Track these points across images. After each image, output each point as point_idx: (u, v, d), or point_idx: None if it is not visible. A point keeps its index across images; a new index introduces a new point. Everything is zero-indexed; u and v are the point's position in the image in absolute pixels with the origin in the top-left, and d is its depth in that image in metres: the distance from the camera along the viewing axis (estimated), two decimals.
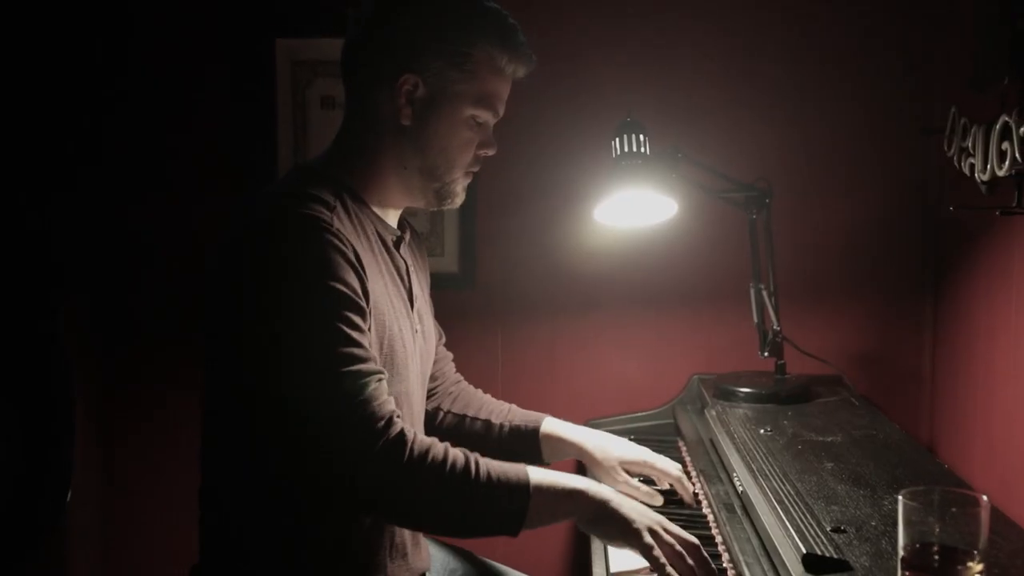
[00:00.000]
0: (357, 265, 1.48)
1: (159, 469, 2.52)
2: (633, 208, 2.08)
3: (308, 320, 1.43)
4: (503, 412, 1.92)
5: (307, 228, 1.45)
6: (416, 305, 1.70)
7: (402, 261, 1.67)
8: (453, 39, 1.55)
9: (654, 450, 2.15)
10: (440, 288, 2.44)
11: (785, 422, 1.97)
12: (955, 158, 1.78)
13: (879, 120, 2.37)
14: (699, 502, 1.85)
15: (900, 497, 1.20)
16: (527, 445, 1.88)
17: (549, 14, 2.39)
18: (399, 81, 1.55)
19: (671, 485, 1.88)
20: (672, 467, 1.87)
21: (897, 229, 2.40)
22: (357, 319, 1.45)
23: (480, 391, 1.99)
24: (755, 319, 2.22)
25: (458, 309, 2.44)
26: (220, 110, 2.46)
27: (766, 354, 2.20)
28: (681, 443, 2.23)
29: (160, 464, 2.52)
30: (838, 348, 2.40)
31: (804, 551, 1.31)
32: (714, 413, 2.06)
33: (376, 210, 1.63)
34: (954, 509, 1.18)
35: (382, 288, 1.57)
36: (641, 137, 2.01)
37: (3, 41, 2.24)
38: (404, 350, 1.61)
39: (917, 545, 1.20)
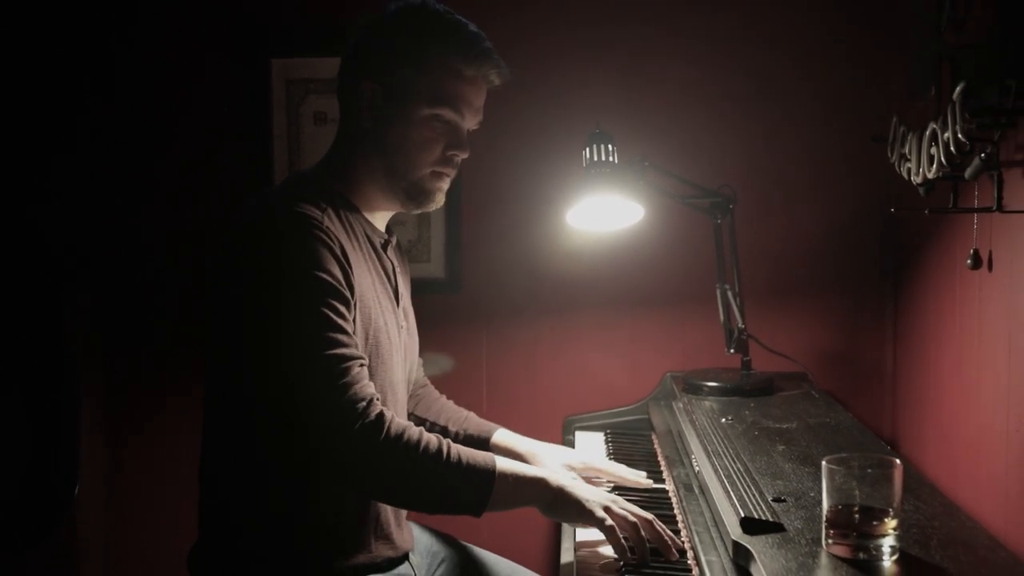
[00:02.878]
0: (343, 260, 1.61)
1: (163, 464, 2.66)
2: (603, 213, 2.22)
3: (295, 306, 1.56)
4: (460, 420, 2.04)
5: (298, 224, 1.59)
6: (402, 303, 1.83)
7: (389, 262, 1.81)
8: (408, 44, 1.68)
9: (629, 444, 2.30)
10: (427, 292, 2.60)
11: (746, 412, 2.10)
12: (896, 164, 1.92)
13: (839, 128, 2.50)
14: (663, 482, 1.98)
15: (824, 462, 1.34)
16: None
17: (526, 30, 2.54)
18: (360, 87, 1.70)
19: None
20: (617, 468, 1.99)
21: (858, 232, 2.53)
22: (341, 307, 1.58)
23: (443, 397, 2.11)
24: (722, 318, 2.35)
25: (445, 312, 2.59)
26: (220, 125, 2.63)
27: (732, 351, 2.34)
28: (654, 436, 2.36)
29: (164, 459, 2.65)
30: (805, 347, 2.53)
31: (743, 516, 1.44)
32: (680, 405, 2.19)
33: (365, 214, 1.77)
34: (870, 471, 1.32)
35: (369, 284, 1.70)
36: (610, 146, 2.15)
37: (9, 48, 2.38)
38: (389, 343, 1.74)
39: (840, 506, 1.34)
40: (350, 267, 1.63)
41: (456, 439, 2.00)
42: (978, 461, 1.89)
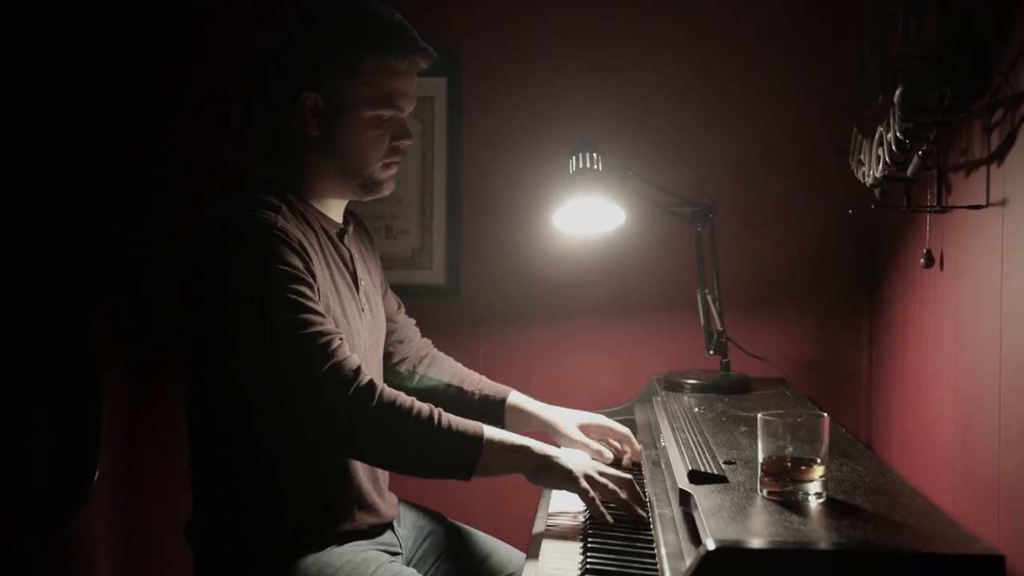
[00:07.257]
0: (302, 253, 1.74)
1: (174, 456, 2.79)
2: (587, 215, 2.38)
3: (267, 296, 1.68)
4: (474, 381, 2.19)
5: (253, 226, 1.73)
6: (362, 287, 1.96)
7: (346, 250, 1.94)
8: (341, 53, 1.80)
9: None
10: (429, 298, 2.76)
11: (720, 405, 2.22)
12: (855, 169, 2.07)
13: (817, 140, 2.63)
14: (640, 464, 2.12)
15: (759, 415, 1.48)
16: (493, 413, 2.13)
17: (518, 48, 2.73)
18: (300, 99, 1.82)
19: (622, 445, 2.17)
20: (622, 428, 2.16)
21: (834, 240, 2.68)
22: (308, 292, 1.72)
23: (451, 359, 2.25)
24: (702, 321, 2.49)
25: (445, 317, 2.75)
26: (235, 145, 2.81)
27: (711, 352, 2.47)
28: (638, 432, 2.49)
29: (175, 452, 2.79)
30: (785, 354, 2.67)
31: (690, 469, 1.58)
32: (659, 399, 2.33)
33: (318, 207, 1.90)
34: (800, 420, 1.45)
35: (326, 274, 1.83)
36: (595, 155, 2.31)
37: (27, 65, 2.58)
38: (349, 328, 1.86)
39: (773, 457, 1.47)
40: (309, 259, 1.76)
41: (472, 399, 2.14)
42: (933, 450, 2.01)
